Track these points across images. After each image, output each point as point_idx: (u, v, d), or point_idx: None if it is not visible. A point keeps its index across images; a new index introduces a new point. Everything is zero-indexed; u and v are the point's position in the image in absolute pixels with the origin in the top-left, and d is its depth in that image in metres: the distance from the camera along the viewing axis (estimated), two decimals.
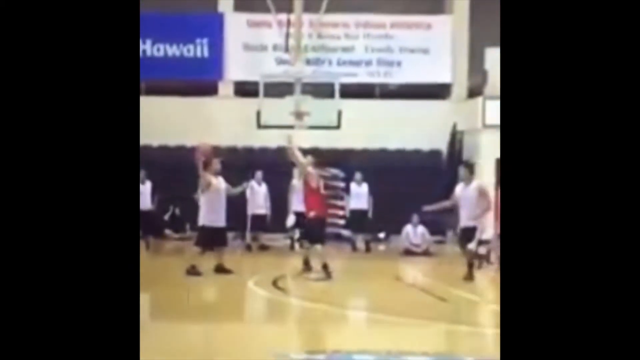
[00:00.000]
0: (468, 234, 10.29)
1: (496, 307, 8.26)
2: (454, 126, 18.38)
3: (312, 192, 10.72)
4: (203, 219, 10.43)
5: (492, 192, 9.97)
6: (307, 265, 10.61)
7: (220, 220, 10.46)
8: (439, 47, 19.03)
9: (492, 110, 17.52)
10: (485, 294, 9.86)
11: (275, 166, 15.64)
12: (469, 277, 10.20)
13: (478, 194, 10.37)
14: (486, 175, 16.99)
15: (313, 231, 10.57)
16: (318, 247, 10.43)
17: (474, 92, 18.52)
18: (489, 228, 11.58)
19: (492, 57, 17.84)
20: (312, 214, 10.54)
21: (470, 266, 10.34)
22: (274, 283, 9.67)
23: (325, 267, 10.05)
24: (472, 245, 10.31)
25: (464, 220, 10.43)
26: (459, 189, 10.57)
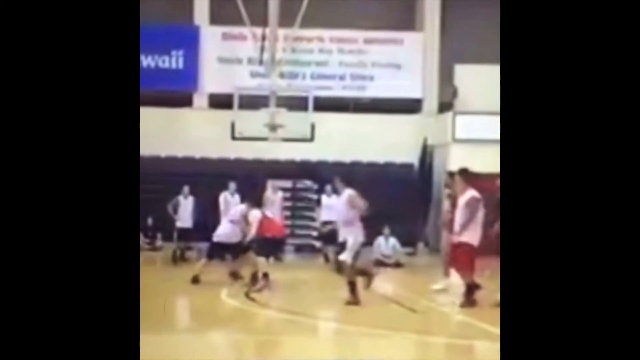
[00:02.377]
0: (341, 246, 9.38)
1: (466, 318, 8.44)
2: (425, 140, 18.67)
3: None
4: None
5: (482, 208, 9.36)
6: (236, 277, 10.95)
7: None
8: (410, 62, 19.36)
9: (462, 125, 17.87)
10: (456, 305, 10.04)
11: (249, 177, 15.76)
12: (354, 300, 8.91)
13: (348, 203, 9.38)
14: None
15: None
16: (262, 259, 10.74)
17: (444, 107, 18.85)
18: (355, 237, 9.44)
19: (461, 73, 18.21)
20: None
21: (352, 285, 9.00)
22: (247, 294, 9.76)
23: (265, 275, 10.34)
24: (344, 256, 9.07)
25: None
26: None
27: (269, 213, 11.49)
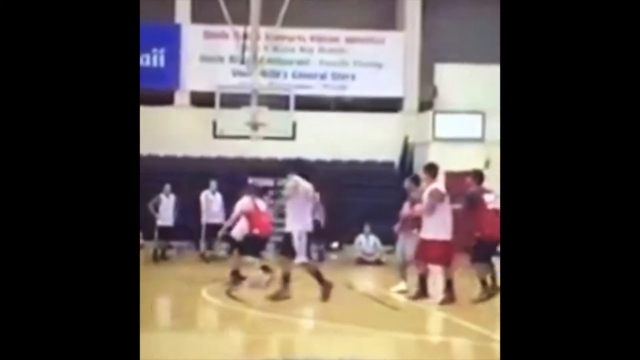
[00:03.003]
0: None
1: (446, 315, 8.51)
2: (406, 138, 18.78)
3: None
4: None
5: (448, 202, 9.29)
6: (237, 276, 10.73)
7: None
8: (391, 61, 19.46)
9: (442, 123, 18.00)
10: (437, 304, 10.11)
11: (230, 176, 15.76)
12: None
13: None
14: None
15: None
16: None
17: (425, 105, 18.97)
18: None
19: (442, 73, 18.35)
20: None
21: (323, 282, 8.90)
22: (228, 292, 9.78)
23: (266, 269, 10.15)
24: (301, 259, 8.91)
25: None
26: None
27: (261, 204, 11.23)
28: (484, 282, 9.13)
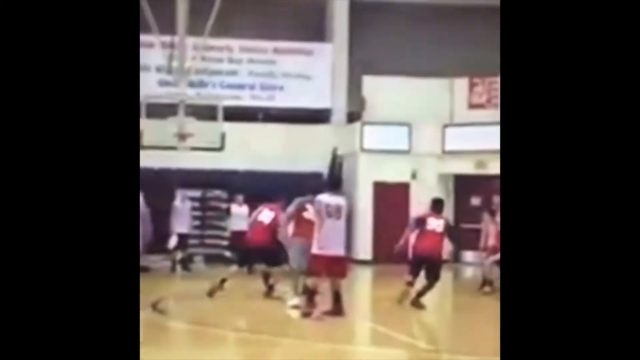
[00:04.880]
0: None
1: (374, 326, 8.60)
2: (334, 150, 18.92)
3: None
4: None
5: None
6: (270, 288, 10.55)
7: None
8: (319, 73, 19.59)
9: (370, 135, 18.25)
10: (362, 313, 10.22)
11: (156, 187, 15.52)
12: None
13: None
14: (364, 196, 17.64)
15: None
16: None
17: (353, 117, 19.17)
18: None
19: (370, 85, 18.61)
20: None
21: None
22: (154, 306, 9.61)
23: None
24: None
25: None
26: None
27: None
28: (419, 294, 9.73)
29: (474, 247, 16.23)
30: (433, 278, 9.79)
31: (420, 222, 10.02)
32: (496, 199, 12.71)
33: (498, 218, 12.09)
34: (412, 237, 10.04)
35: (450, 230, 10.23)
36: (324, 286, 9.01)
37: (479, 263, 13.83)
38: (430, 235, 9.82)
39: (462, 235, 14.38)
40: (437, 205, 10.22)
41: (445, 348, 7.50)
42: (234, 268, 11.00)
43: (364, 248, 17.36)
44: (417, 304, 9.62)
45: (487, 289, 11.45)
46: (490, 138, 18.12)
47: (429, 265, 9.78)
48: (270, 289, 10.52)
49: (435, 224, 9.89)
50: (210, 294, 10.25)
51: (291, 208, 9.86)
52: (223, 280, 10.53)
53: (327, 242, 8.68)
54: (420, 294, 9.70)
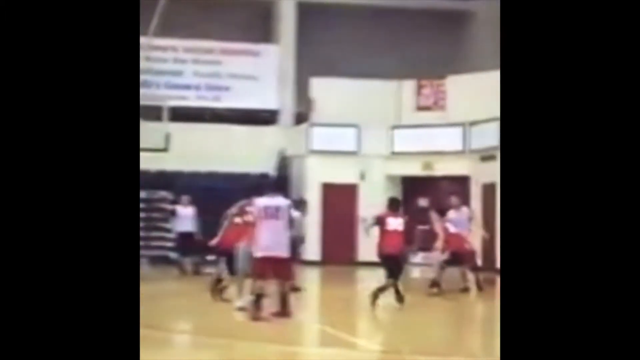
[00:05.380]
0: None
1: (322, 327, 8.58)
2: (281, 151, 18.87)
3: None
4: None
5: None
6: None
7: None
8: (266, 74, 19.53)
9: (317, 136, 18.26)
10: (310, 314, 10.20)
11: None
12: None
13: None
14: (312, 197, 17.62)
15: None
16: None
17: (301, 118, 19.16)
18: None
19: (317, 86, 18.63)
20: None
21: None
22: (220, 294, 9.42)
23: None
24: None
25: None
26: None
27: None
28: (397, 291, 9.85)
29: (421, 247, 16.37)
30: (395, 277, 9.87)
31: (380, 221, 10.07)
32: (445, 201, 12.84)
33: (446, 218, 12.24)
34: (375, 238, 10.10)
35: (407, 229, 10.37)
36: (272, 289, 8.94)
37: (427, 264, 13.96)
38: (393, 235, 9.91)
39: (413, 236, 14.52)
40: (393, 204, 10.27)
41: (393, 349, 7.52)
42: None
43: (312, 249, 17.36)
44: (374, 297, 9.69)
45: (435, 290, 11.55)
46: (438, 140, 18.48)
47: (393, 264, 9.89)
48: (220, 291, 10.39)
49: (396, 223, 9.98)
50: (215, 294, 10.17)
51: (232, 210, 9.79)
52: (219, 281, 10.33)
53: (268, 243, 8.51)
54: (381, 290, 9.82)
